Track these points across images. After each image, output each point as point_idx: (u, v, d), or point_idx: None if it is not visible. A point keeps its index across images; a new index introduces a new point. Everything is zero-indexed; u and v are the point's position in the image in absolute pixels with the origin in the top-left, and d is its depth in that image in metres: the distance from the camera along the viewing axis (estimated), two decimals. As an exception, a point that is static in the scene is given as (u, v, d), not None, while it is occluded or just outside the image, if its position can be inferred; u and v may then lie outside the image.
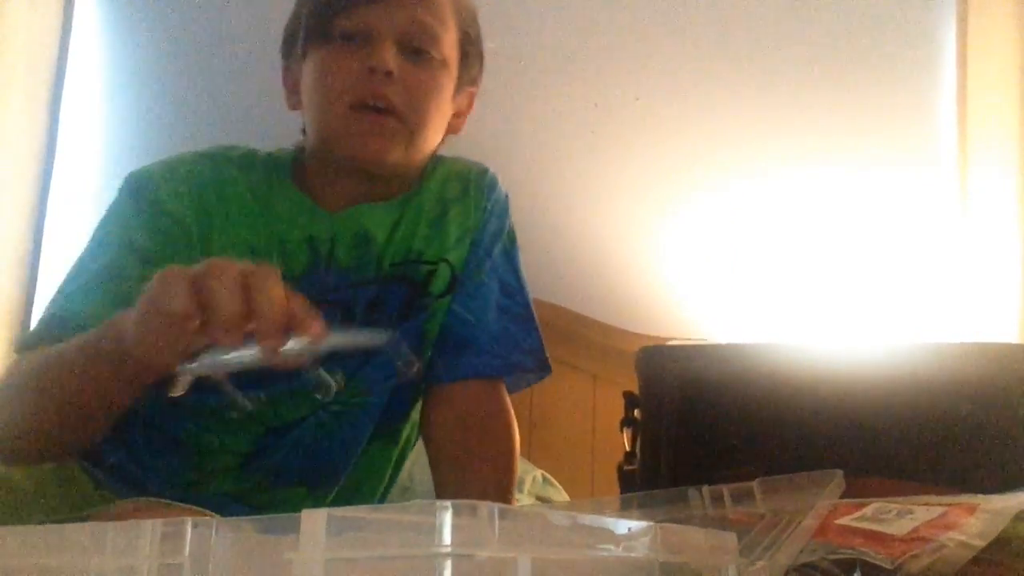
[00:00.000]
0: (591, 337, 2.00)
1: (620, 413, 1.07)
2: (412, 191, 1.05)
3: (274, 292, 0.64)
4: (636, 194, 2.13)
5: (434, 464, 1.07)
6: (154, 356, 0.70)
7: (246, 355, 0.66)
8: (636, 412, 1.02)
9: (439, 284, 1.04)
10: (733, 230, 2.09)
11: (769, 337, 1.99)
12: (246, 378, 0.69)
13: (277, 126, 1.10)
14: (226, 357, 0.67)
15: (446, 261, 1.05)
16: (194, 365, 0.67)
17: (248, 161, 1.03)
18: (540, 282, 1.16)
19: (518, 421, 1.09)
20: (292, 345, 0.66)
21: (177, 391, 0.70)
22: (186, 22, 2.15)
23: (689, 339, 1.97)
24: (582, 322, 2.01)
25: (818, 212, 2.07)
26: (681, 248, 2.10)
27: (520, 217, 1.16)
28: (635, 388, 1.00)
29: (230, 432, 0.97)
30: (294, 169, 1.05)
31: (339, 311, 1.00)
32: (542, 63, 2.11)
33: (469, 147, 1.15)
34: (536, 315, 1.13)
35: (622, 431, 1.05)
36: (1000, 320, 1.95)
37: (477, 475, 1.02)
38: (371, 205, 1.02)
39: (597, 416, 1.95)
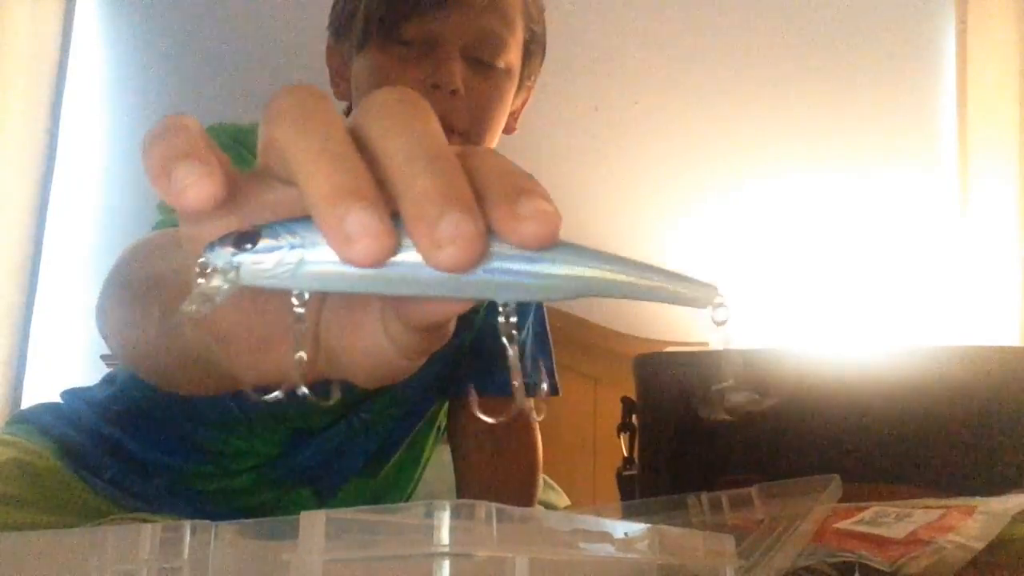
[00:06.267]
0: (592, 341, 2.00)
1: (620, 418, 1.07)
2: None
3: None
4: (635, 197, 2.13)
5: (461, 473, 1.08)
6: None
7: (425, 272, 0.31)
8: (633, 418, 1.02)
9: None
10: (732, 233, 2.09)
11: (767, 341, 1.99)
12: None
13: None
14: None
15: None
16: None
17: None
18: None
19: (517, 424, 1.10)
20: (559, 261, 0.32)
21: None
22: (186, 23, 2.16)
23: (689, 343, 1.97)
24: (583, 326, 2.01)
25: (818, 215, 2.08)
26: (680, 252, 2.10)
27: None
28: (635, 393, 1.01)
29: (256, 435, 0.95)
30: None
31: None
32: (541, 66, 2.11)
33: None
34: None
35: (619, 436, 1.05)
36: (1000, 322, 1.95)
37: (503, 487, 1.04)
38: None
39: (598, 420, 1.95)
